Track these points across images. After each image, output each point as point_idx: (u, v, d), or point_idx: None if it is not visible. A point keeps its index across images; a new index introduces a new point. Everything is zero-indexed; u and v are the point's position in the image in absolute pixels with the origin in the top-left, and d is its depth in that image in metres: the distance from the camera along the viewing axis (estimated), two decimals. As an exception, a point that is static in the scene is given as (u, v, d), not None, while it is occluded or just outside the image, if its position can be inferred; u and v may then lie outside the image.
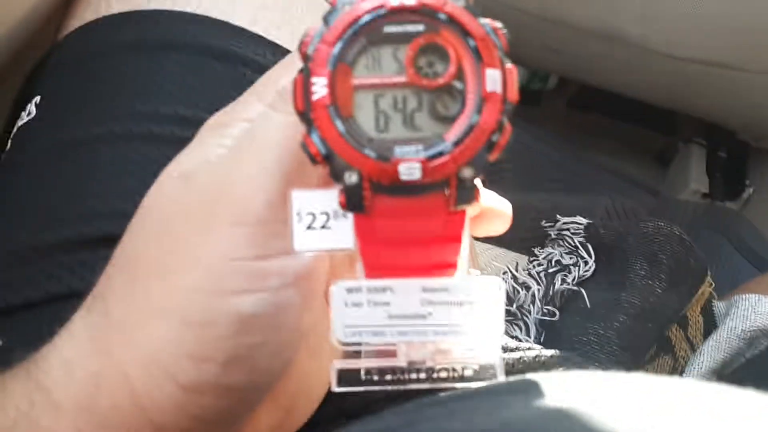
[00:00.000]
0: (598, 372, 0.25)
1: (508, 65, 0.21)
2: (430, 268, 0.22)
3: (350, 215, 0.22)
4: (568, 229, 0.60)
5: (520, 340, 0.51)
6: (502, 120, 0.21)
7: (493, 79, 0.21)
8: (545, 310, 0.53)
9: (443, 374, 0.23)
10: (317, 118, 0.20)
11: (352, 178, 0.20)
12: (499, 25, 0.21)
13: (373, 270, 0.22)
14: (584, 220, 0.59)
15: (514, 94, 0.21)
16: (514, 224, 0.26)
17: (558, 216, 0.60)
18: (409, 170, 0.20)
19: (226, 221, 0.22)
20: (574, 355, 0.42)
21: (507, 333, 0.52)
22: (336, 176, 0.21)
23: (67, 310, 0.24)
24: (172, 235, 0.22)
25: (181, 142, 0.36)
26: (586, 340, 0.51)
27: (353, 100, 0.21)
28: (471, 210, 0.22)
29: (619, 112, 0.93)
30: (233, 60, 0.38)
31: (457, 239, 0.22)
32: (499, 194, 0.27)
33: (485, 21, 0.21)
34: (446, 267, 0.22)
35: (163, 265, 0.22)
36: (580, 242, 0.58)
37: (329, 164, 0.21)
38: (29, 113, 0.38)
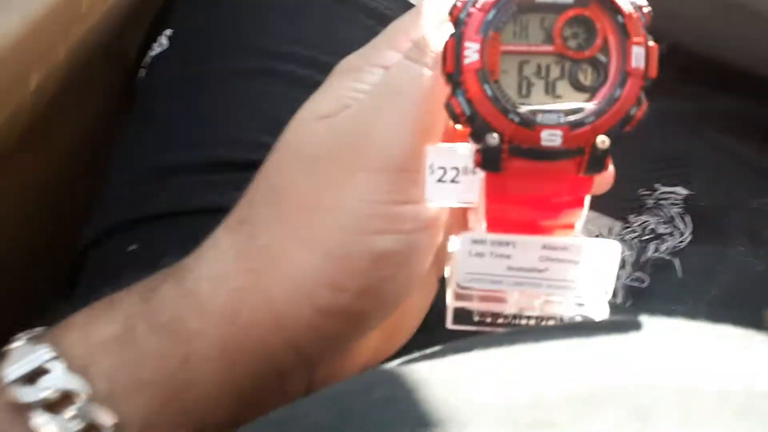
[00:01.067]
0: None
1: (651, 42, 0.22)
2: (551, 227, 0.24)
3: (479, 172, 0.23)
4: (666, 199, 0.59)
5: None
6: (641, 95, 0.22)
7: (638, 55, 0.22)
8: (635, 277, 0.54)
9: (551, 323, 0.24)
10: (467, 80, 0.22)
11: (493, 139, 0.22)
12: (644, 2, 0.22)
13: (496, 225, 0.24)
14: (684, 191, 0.58)
15: (654, 71, 0.22)
16: (610, 189, 0.26)
17: (657, 185, 0.60)
18: (551, 137, 0.22)
19: (369, 167, 0.24)
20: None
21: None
22: (477, 137, 0.22)
23: (197, 224, 0.27)
24: (318, 174, 0.25)
25: (301, 80, 0.38)
26: (674, 310, 0.51)
27: (499, 64, 0.22)
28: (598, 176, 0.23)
29: (731, 85, 0.89)
30: (352, 6, 0.40)
31: (581, 203, 0.23)
32: None
33: None
34: (566, 227, 0.24)
35: (309, 201, 0.25)
36: (678, 212, 0.57)
37: (471, 125, 0.22)
38: (161, 45, 0.41)
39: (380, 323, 0.27)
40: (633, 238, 0.56)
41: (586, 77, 0.22)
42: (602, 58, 0.22)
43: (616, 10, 0.22)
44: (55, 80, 0.38)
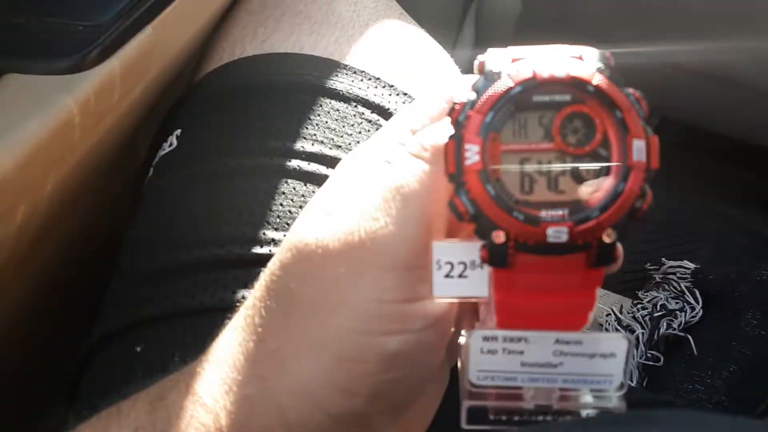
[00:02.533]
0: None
1: (651, 134, 0.22)
2: (562, 318, 0.24)
3: (486, 266, 0.23)
4: (674, 274, 0.59)
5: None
6: (645, 187, 0.22)
7: (639, 149, 0.22)
8: (649, 355, 0.53)
9: (568, 418, 0.24)
10: (469, 181, 0.22)
11: (499, 237, 0.22)
12: (640, 93, 0.23)
13: (508, 319, 0.24)
14: (691, 265, 0.58)
15: (656, 162, 0.22)
16: None
17: (663, 259, 0.60)
18: (557, 234, 0.22)
19: (376, 266, 0.24)
20: (677, 401, 0.42)
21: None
22: (483, 233, 0.22)
23: (205, 324, 0.27)
24: (325, 278, 0.24)
25: (307, 175, 0.39)
26: (692, 389, 0.50)
27: (500, 162, 0.23)
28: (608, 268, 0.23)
29: (724, 154, 0.90)
30: (354, 101, 0.41)
31: (592, 294, 0.23)
32: None
33: (629, 91, 0.23)
34: (577, 318, 0.24)
35: (317, 304, 0.24)
36: (686, 287, 0.57)
37: (476, 223, 0.22)
38: (170, 144, 0.42)
39: (394, 424, 0.27)
40: (644, 316, 0.55)
41: (588, 172, 0.22)
42: (603, 152, 0.22)
43: (614, 106, 0.22)
44: (43, 210, 0.39)
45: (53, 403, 0.40)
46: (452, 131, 0.23)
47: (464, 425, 0.24)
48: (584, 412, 0.24)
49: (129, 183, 0.48)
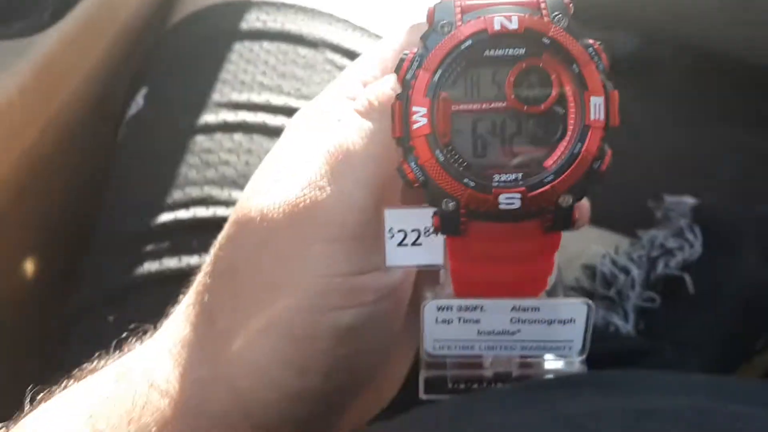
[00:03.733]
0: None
1: (611, 89, 0.21)
2: (520, 285, 0.23)
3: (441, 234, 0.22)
4: (674, 210, 0.57)
5: (618, 328, 0.50)
6: (603, 146, 0.21)
7: (597, 106, 0.20)
8: (645, 296, 0.52)
9: None
10: (416, 146, 0.21)
11: (449, 205, 0.21)
12: (600, 44, 0.21)
13: (464, 287, 0.23)
14: (692, 201, 0.56)
15: (616, 119, 0.21)
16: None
17: (664, 195, 0.58)
18: (509, 200, 0.20)
19: (322, 238, 0.23)
20: (667, 348, 0.41)
21: (605, 319, 0.51)
22: (433, 201, 0.21)
23: (166, 292, 0.26)
24: (271, 249, 0.23)
25: (273, 130, 0.37)
26: (689, 330, 0.50)
27: (451, 123, 0.21)
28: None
29: (745, 80, 0.86)
30: (322, 46, 0.39)
31: (550, 259, 0.22)
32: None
33: (588, 42, 0.21)
34: (536, 282, 0.23)
35: (265, 282, 0.23)
36: (686, 224, 0.56)
37: (426, 189, 0.21)
38: (137, 104, 0.41)
39: (360, 394, 0.26)
40: (641, 256, 0.54)
41: (545, 130, 0.21)
42: (559, 110, 0.21)
43: (571, 59, 0.20)
44: (49, 137, 0.38)
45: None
46: (399, 90, 0.21)
47: (422, 395, 0.23)
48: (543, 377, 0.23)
49: (106, 142, 0.47)
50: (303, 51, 0.39)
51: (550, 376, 0.23)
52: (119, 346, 0.27)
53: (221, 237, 0.25)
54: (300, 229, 0.23)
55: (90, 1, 0.38)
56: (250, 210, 0.24)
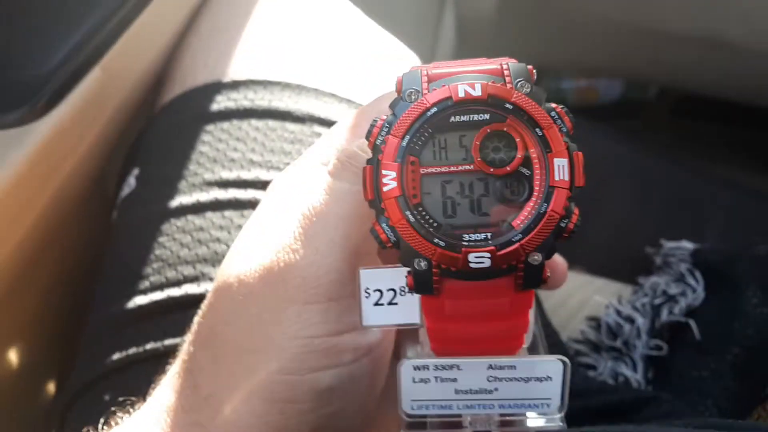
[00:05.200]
0: None
1: (575, 150, 0.21)
2: (497, 342, 0.23)
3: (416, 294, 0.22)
4: (673, 255, 0.57)
5: (627, 378, 0.49)
6: (569, 206, 0.21)
7: (561, 168, 0.21)
8: (652, 345, 0.51)
9: None
10: (387, 208, 0.21)
11: (421, 264, 0.21)
12: (563, 108, 0.22)
13: (441, 345, 0.23)
14: (690, 245, 0.56)
15: (581, 180, 0.21)
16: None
17: (662, 241, 0.58)
18: (479, 259, 0.21)
19: (298, 300, 0.23)
20: (673, 398, 0.40)
21: (613, 370, 0.51)
22: (405, 261, 0.22)
23: (161, 369, 0.26)
24: (249, 313, 0.23)
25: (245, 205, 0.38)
26: (697, 375, 0.49)
27: (421, 186, 0.22)
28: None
29: (729, 118, 0.87)
30: (309, 120, 0.40)
31: (524, 316, 0.22)
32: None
33: (550, 106, 0.22)
34: (512, 340, 0.23)
35: (243, 345, 0.24)
36: (687, 269, 0.55)
37: (399, 249, 0.22)
38: (129, 185, 0.42)
39: None
40: (644, 304, 0.54)
41: (512, 192, 0.22)
42: (525, 171, 0.21)
43: (534, 123, 0.21)
44: (44, 225, 0.39)
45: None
46: (370, 155, 0.22)
47: None
48: None
49: (102, 225, 0.48)
50: (291, 126, 0.40)
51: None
52: (107, 422, 0.27)
53: (203, 305, 0.25)
54: (275, 292, 0.23)
55: (85, 86, 0.39)
56: (228, 277, 0.24)
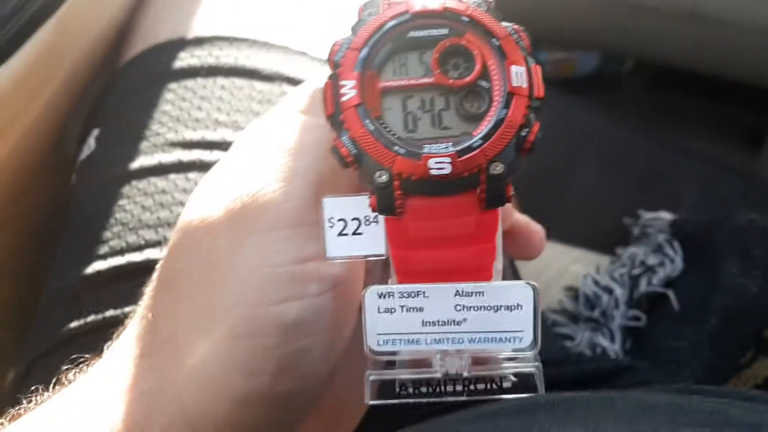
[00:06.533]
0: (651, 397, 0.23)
1: (533, 63, 0.21)
2: (464, 272, 0.22)
3: (381, 221, 0.22)
4: (652, 225, 0.56)
5: (605, 349, 0.48)
6: (529, 115, 0.21)
7: (518, 74, 0.21)
8: (630, 315, 0.50)
9: (480, 386, 0.22)
10: (347, 119, 0.21)
11: (382, 177, 0.20)
12: (520, 27, 0.22)
13: (406, 275, 0.22)
14: (669, 216, 0.55)
15: (540, 90, 0.21)
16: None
17: (640, 212, 0.57)
18: (439, 165, 0.20)
19: (258, 228, 0.22)
20: (650, 367, 0.40)
21: (591, 341, 0.50)
22: (367, 178, 0.21)
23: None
24: (208, 250, 0.22)
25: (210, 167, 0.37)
26: (676, 346, 0.48)
27: (381, 102, 0.21)
28: (503, 211, 0.21)
29: (703, 91, 0.87)
30: (278, 79, 0.39)
31: (491, 241, 0.21)
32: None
33: (507, 24, 0.22)
34: (480, 271, 0.22)
35: (203, 280, 0.22)
36: (665, 240, 0.54)
37: (359, 166, 0.21)
38: (89, 146, 0.40)
39: (311, 405, 0.24)
40: (622, 274, 0.53)
41: (473, 105, 0.21)
42: (484, 83, 0.21)
43: (491, 35, 0.21)
44: None
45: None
46: (330, 72, 0.22)
47: (368, 400, 0.21)
48: (497, 380, 0.22)
49: (62, 184, 0.46)
50: (259, 85, 0.39)
51: (506, 377, 0.22)
52: (59, 381, 0.26)
53: (165, 249, 0.24)
54: (235, 223, 0.22)
55: (37, 40, 0.37)
56: (191, 218, 0.23)
